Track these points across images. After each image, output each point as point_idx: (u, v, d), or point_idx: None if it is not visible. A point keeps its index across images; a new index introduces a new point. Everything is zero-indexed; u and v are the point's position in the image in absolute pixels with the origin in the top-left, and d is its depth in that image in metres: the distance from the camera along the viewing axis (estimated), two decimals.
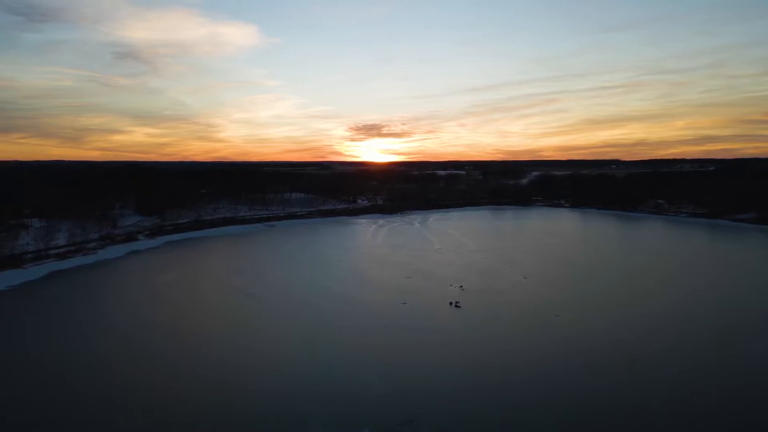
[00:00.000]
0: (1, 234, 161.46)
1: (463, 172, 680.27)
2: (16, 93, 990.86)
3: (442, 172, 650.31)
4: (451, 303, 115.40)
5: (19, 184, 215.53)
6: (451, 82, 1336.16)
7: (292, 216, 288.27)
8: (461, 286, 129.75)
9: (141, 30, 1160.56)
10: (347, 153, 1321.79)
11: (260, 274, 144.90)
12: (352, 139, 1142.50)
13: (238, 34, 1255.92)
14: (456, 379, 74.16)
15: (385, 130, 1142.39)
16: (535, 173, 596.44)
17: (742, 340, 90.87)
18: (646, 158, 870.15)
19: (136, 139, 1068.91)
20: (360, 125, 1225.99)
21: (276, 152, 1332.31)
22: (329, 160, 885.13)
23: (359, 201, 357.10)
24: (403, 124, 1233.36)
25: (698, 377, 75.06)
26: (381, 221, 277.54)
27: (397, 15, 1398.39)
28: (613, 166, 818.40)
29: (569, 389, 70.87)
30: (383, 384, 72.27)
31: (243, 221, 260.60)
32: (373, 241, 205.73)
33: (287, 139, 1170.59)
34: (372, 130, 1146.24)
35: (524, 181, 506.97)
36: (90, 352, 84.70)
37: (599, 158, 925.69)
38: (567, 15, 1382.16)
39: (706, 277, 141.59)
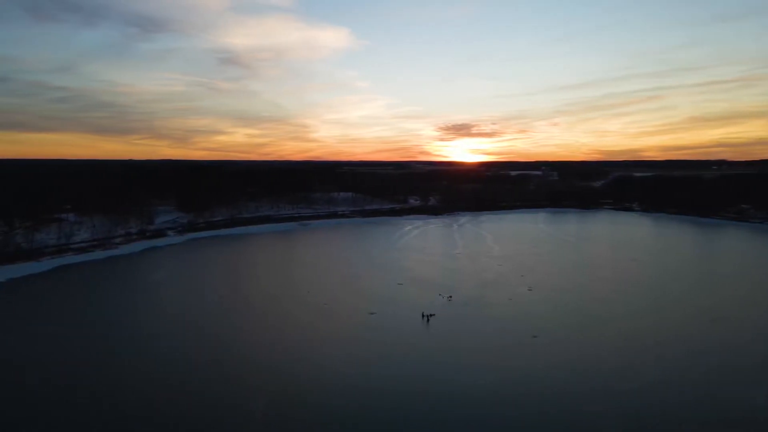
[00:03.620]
0: (32, 227, 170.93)
1: (539, 173, 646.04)
2: (134, 98, 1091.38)
3: (513, 173, 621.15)
4: (423, 315, 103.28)
5: (60, 180, 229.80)
6: (542, 80, 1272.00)
7: (333, 215, 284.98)
8: (450, 297, 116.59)
9: (242, 36, 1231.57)
10: (436, 153, 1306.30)
11: (247, 277, 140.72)
12: (441, 139, 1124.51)
13: (330, 38, 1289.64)
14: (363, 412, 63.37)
15: (474, 130, 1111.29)
16: (615, 174, 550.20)
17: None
18: (765, 158, 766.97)
19: (237, 140, 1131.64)
20: (449, 125, 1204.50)
21: (366, 152, 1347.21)
22: (417, 160, 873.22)
23: (410, 201, 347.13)
24: (493, 123, 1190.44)
25: None
26: (420, 222, 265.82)
27: (485, 14, 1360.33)
28: (714, 167, 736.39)
29: None
30: (280, 420, 63.25)
31: (279, 219, 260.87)
32: (393, 244, 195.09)
33: (377, 140, 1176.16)
34: (461, 130, 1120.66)
35: (598, 183, 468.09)
36: (38, 353, 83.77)
37: (708, 158, 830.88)
38: (673, 6, 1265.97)
39: (758, 304, 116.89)
